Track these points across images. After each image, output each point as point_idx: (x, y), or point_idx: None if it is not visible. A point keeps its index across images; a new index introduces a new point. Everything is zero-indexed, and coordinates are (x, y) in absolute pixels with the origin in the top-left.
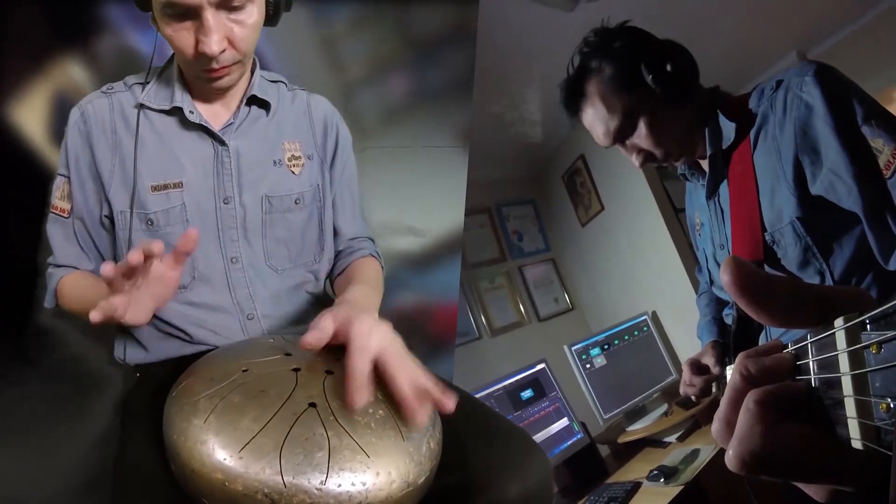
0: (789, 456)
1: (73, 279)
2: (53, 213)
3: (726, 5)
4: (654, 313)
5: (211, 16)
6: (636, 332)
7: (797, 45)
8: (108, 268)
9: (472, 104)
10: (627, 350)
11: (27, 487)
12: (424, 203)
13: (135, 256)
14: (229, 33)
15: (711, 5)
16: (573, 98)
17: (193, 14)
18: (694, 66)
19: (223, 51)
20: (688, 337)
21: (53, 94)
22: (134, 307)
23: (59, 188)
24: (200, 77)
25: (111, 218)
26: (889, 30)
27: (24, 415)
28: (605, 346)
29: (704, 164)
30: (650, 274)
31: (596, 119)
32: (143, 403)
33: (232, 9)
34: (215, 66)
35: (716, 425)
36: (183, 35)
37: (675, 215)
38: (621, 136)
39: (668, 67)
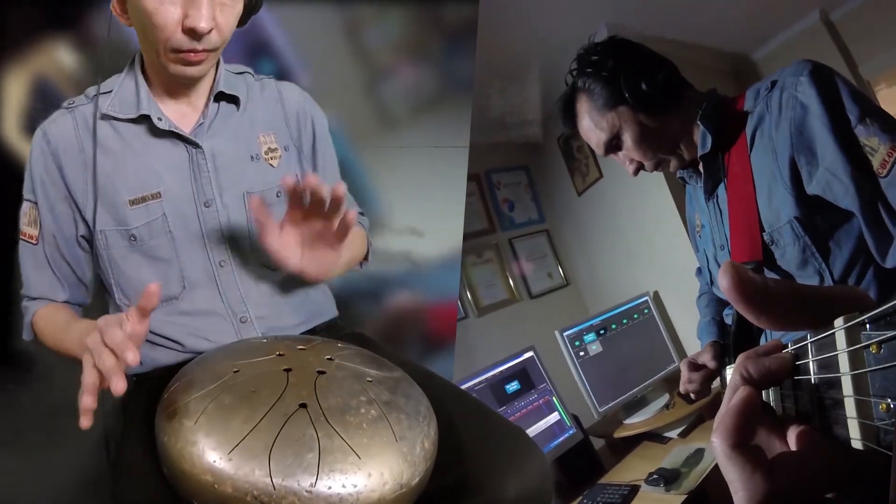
0: (792, 489)
1: (47, 315)
2: (23, 240)
3: None
4: (655, 293)
5: None
6: (636, 315)
7: (821, 4)
8: (87, 402)
9: (471, 104)
10: (625, 335)
11: (28, 489)
12: (424, 203)
13: (118, 386)
14: (216, 15)
15: None
16: (568, 114)
17: None
18: (676, 80)
19: (210, 30)
20: (692, 320)
21: (34, 79)
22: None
23: (25, 214)
24: (175, 62)
25: (88, 238)
26: None
27: (22, 420)
28: (601, 332)
29: (700, 165)
30: (653, 249)
31: (588, 132)
32: (139, 407)
33: None
34: (198, 47)
35: (719, 419)
36: (169, 9)
37: (681, 186)
38: (611, 145)
39: (644, 86)
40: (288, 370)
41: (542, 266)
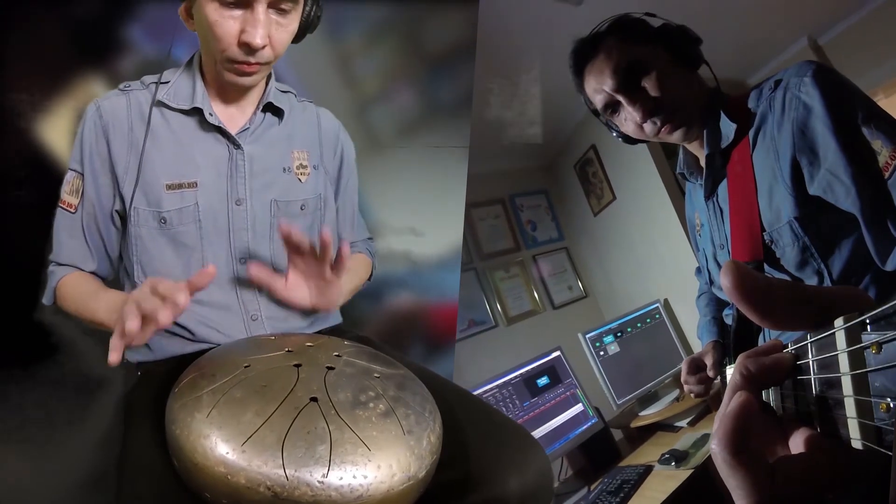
0: (796, 493)
1: (73, 281)
2: (61, 207)
3: None
4: (665, 301)
5: (262, 10)
6: (648, 320)
7: (808, 31)
8: (133, 325)
9: (472, 103)
10: (640, 337)
11: (32, 486)
12: (424, 203)
13: (165, 319)
14: (272, 33)
15: None
16: (585, 49)
17: (246, 4)
18: (700, 44)
19: (264, 46)
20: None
21: (76, 111)
22: (140, 333)
23: (68, 182)
24: (229, 71)
25: (122, 214)
26: None
27: (28, 415)
28: (619, 334)
29: (702, 162)
30: (662, 262)
31: (609, 63)
32: (145, 401)
33: (280, 11)
34: (251, 60)
35: (717, 424)
36: (229, 23)
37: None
38: (633, 75)
39: (684, 36)
40: (298, 366)
41: (563, 280)
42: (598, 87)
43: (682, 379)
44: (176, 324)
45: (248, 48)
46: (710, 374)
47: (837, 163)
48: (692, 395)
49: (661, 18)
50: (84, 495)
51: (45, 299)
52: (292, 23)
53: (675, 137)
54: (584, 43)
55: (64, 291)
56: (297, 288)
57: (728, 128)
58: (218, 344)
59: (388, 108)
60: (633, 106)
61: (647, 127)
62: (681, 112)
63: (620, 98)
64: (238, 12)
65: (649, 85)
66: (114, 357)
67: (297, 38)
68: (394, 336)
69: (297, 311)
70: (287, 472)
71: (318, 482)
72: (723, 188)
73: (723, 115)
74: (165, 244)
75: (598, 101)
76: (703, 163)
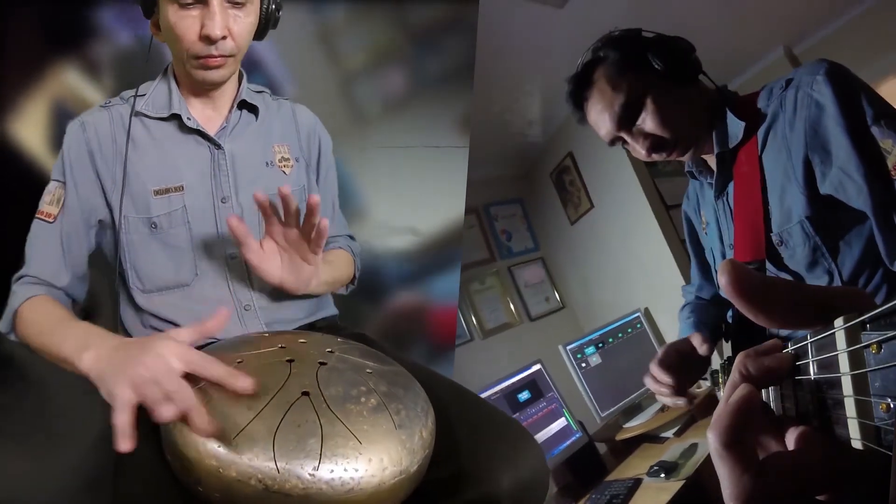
0: (783, 489)
1: (37, 305)
2: (38, 217)
3: (712, 2)
4: (646, 310)
5: (217, 3)
6: (630, 330)
7: (785, 41)
8: (122, 419)
9: (471, 102)
10: (622, 347)
11: (28, 487)
12: (424, 203)
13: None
14: (230, 24)
15: (697, 2)
16: (580, 88)
17: (202, 1)
18: (695, 58)
19: (224, 37)
20: None
21: (52, 104)
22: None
23: (50, 193)
24: (197, 67)
25: (109, 223)
26: (878, 23)
27: (23, 416)
28: (600, 345)
29: (711, 161)
30: (642, 271)
31: (602, 103)
32: None
33: (235, 4)
34: (213, 52)
35: (716, 417)
36: (188, 21)
37: (666, 212)
38: (628, 115)
39: (669, 52)
40: (290, 361)
41: (540, 291)
42: (599, 123)
43: (652, 372)
44: (169, 322)
45: (209, 40)
46: (703, 351)
47: (849, 161)
48: (662, 398)
49: (650, 32)
50: (79, 496)
51: (2, 326)
52: (250, 15)
53: (686, 157)
54: (576, 81)
55: (26, 317)
56: (270, 258)
57: (736, 126)
58: (213, 340)
59: (376, 94)
60: (636, 144)
61: (655, 157)
62: (684, 140)
63: (623, 136)
64: (195, 10)
65: (648, 122)
66: (125, 445)
67: (259, 34)
68: (392, 336)
69: (271, 286)
70: (278, 465)
71: (309, 475)
72: (731, 187)
73: (730, 113)
74: (157, 248)
75: (603, 136)
76: (712, 163)
